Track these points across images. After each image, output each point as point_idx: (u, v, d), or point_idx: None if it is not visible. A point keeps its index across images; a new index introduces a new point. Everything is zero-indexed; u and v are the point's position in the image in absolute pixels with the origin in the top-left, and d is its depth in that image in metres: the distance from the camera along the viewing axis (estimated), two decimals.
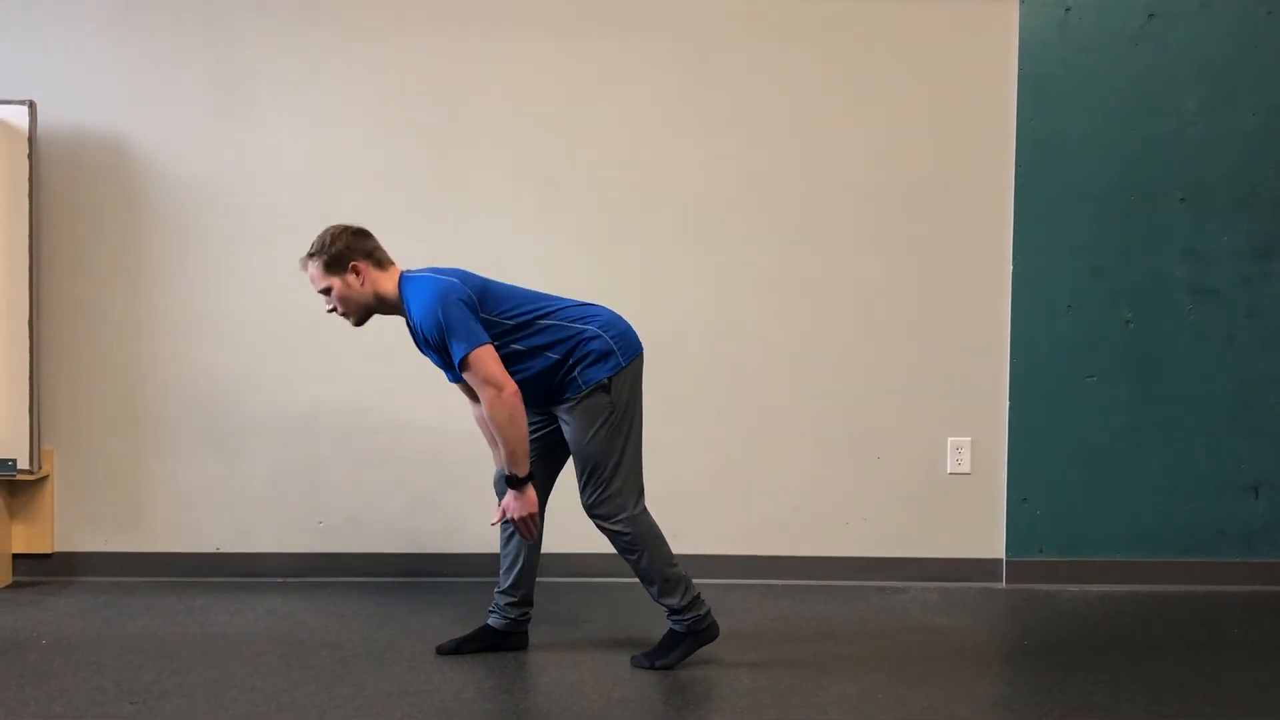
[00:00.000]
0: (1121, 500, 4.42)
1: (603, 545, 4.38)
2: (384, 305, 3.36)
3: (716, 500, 4.45)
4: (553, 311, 3.37)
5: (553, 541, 4.29)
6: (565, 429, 3.38)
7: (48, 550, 4.39)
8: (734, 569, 4.43)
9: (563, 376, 3.32)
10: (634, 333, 3.44)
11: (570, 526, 4.28)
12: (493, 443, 3.45)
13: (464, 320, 3.20)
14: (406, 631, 3.77)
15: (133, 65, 4.36)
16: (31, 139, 4.16)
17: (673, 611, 3.43)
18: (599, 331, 3.34)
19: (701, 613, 3.44)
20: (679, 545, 4.41)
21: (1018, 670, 3.57)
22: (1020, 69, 4.37)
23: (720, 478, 4.45)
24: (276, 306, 4.39)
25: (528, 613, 3.59)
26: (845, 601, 4.20)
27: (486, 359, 3.20)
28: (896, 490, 4.45)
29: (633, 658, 3.48)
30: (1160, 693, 3.28)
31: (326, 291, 3.33)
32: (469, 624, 3.69)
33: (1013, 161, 4.39)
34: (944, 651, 3.64)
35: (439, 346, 3.25)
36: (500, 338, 3.27)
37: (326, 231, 3.35)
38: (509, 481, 3.29)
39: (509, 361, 3.26)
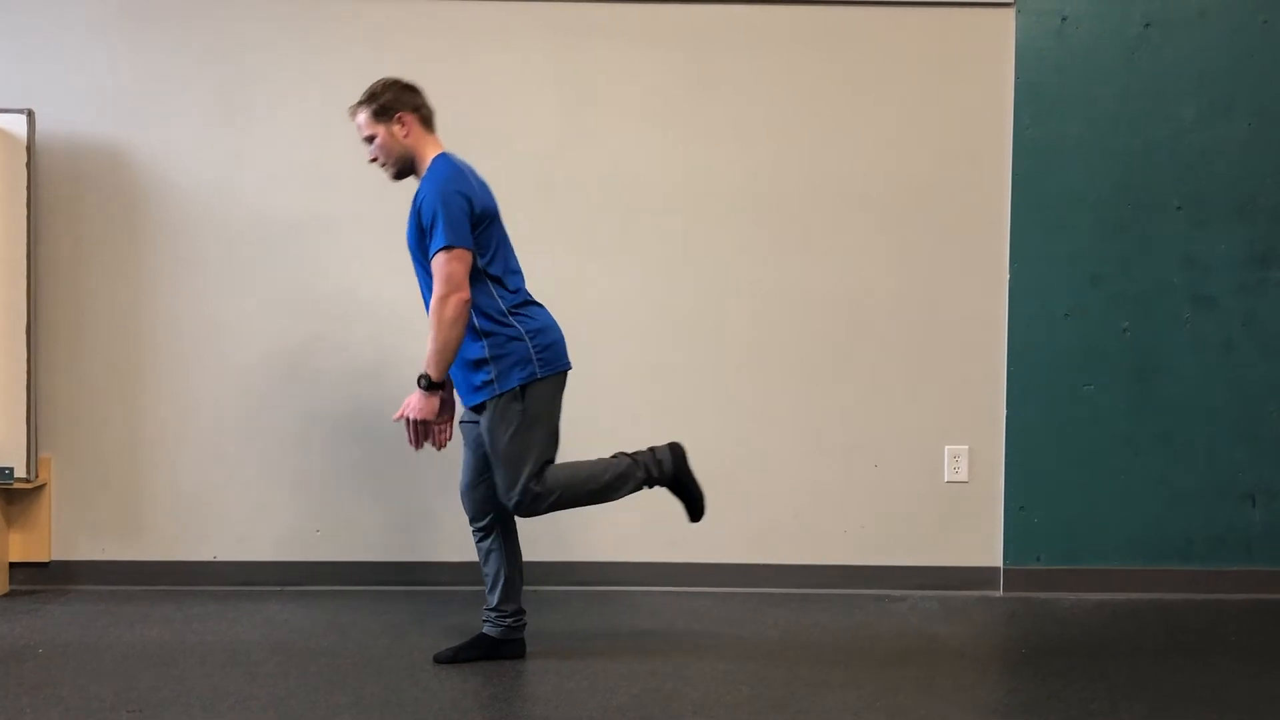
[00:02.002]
0: (1119, 508, 4.43)
1: (601, 554, 4.40)
2: (415, 167, 3.46)
3: (714, 508, 4.41)
4: (506, 288, 3.40)
5: (550, 550, 4.30)
6: (481, 432, 3.42)
7: (45, 558, 4.39)
8: (731, 577, 4.43)
9: (474, 365, 3.36)
10: (563, 347, 3.47)
11: (567, 535, 4.30)
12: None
13: (460, 217, 3.29)
14: (404, 640, 3.77)
15: (131, 73, 4.37)
16: (30, 147, 4.17)
17: (650, 484, 3.51)
18: (523, 334, 3.37)
19: (660, 458, 3.50)
20: (677, 553, 4.44)
21: (1016, 678, 3.57)
22: (1017, 77, 4.38)
23: (717, 485, 4.42)
24: (275, 313, 4.39)
25: (522, 619, 3.59)
26: (843, 610, 4.19)
27: (461, 260, 3.28)
28: (894, 498, 4.45)
29: (691, 516, 3.60)
30: (1159, 700, 3.28)
31: (370, 139, 3.45)
32: (466, 632, 3.69)
33: (1009, 169, 4.39)
34: (942, 660, 3.64)
35: (422, 231, 3.31)
36: None
37: (378, 81, 3.48)
38: (420, 380, 3.32)
39: (429, 282, 3.35)
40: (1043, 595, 4.38)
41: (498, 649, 3.57)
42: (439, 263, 3.27)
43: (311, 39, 4.37)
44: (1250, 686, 3.42)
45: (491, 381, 3.35)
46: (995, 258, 4.42)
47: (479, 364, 3.36)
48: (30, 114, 4.18)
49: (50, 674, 3.42)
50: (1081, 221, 4.39)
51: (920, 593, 4.40)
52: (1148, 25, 4.39)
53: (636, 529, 4.32)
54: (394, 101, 3.42)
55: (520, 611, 3.59)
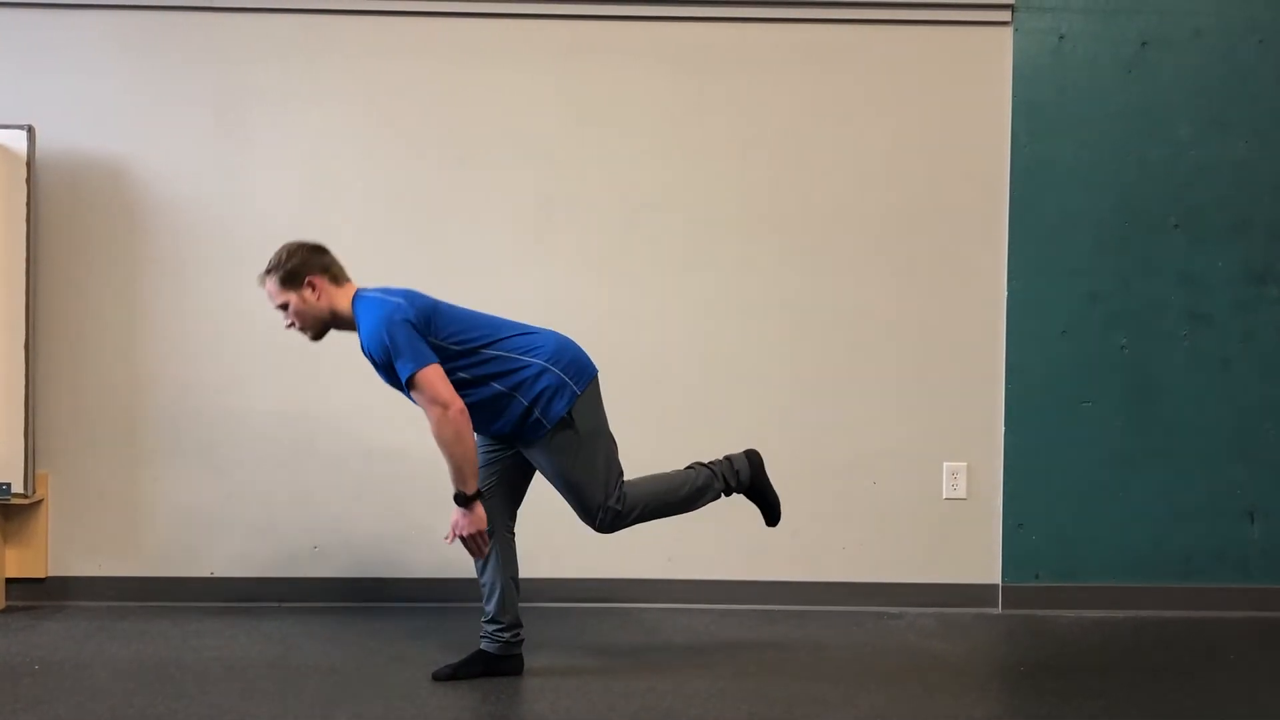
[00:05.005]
0: (1118, 525, 4.43)
1: (599, 570, 4.40)
2: (339, 321, 3.42)
3: (712, 525, 4.43)
4: (499, 340, 3.40)
5: (548, 567, 4.30)
6: (540, 467, 3.44)
7: (41, 575, 4.38)
8: (730, 594, 4.42)
9: (521, 417, 3.35)
10: (584, 355, 3.48)
11: (566, 552, 4.29)
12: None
13: (409, 340, 3.24)
14: (402, 657, 3.76)
15: (131, 89, 4.38)
16: (30, 163, 4.17)
17: (729, 492, 3.60)
18: (546, 364, 3.37)
19: (738, 467, 3.63)
20: (675, 570, 4.43)
21: (1014, 696, 3.56)
22: (1014, 95, 4.40)
23: (716, 502, 4.43)
24: (274, 330, 4.36)
25: (519, 634, 3.58)
26: (841, 627, 4.19)
27: (432, 378, 3.24)
28: (892, 515, 4.44)
29: (768, 521, 3.73)
30: (1157, 718, 3.27)
31: (284, 307, 3.40)
32: (465, 649, 3.67)
33: (1007, 187, 4.41)
34: (940, 677, 3.63)
35: (387, 366, 3.29)
36: (446, 362, 3.30)
37: (283, 248, 3.42)
38: (457, 499, 3.31)
39: (455, 388, 3.29)
40: (1041, 612, 4.38)
41: (496, 665, 3.56)
42: (417, 392, 3.25)
43: (311, 55, 4.39)
44: (1249, 704, 3.41)
45: (539, 420, 3.35)
46: (993, 275, 4.43)
47: (525, 414, 3.35)
48: (31, 130, 4.18)
49: (46, 691, 3.40)
50: (1079, 239, 4.41)
51: (919, 609, 4.39)
52: (1144, 44, 4.41)
53: (634, 545, 4.30)
54: (301, 266, 3.37)
55: (517, 625, 3.58)
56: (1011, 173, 4.40)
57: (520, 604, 3.60)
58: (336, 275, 3.42)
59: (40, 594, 4.38)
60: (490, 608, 3.55)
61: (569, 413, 3.36)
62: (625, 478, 3.51)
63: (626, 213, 4.42)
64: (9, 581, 4.36)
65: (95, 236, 4.38)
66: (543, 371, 3.36)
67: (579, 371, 3.42)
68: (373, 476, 4.40)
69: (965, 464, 4.44)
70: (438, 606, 4.35)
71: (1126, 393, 4.42)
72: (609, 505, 3.41)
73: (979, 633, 4.15)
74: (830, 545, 4.45)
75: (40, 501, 4.35)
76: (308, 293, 3.37)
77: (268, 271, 3.40)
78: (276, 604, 4.38)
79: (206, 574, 4.41)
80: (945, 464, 4.44)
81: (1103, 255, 4.41)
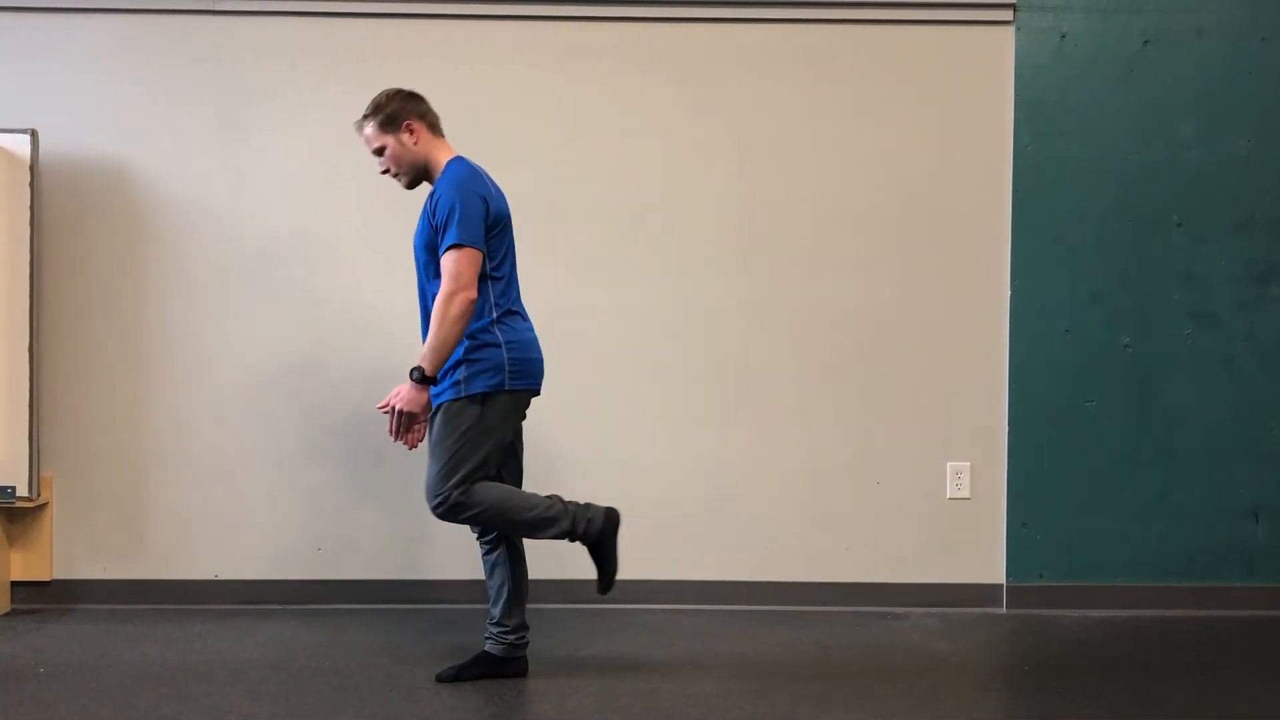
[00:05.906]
0: (1122, 524, 4.42)
1: None
2: (430, 171, 3.46)
3: (716, 525, 4.44)
4: (503, 295, 3.41)
5: (552, 568, 4.29)
6: (435, 423, 3.40)
7: (46, 577, 4.39)
8: (733, 595, 4.42)
9: (454, 360, 3.33)
10: (538, 367, 3.46)
11: (570, 553, 4.28)
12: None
13: (476, 219, 3.30)
14: (405, 658, 3.76)
15: (133, 93, 4.38)
16: (33, 167, 4.18)
17: (573, 537, 3.44)
18: (501, 343, 3.37)
19: (590, 515, 3.44)
20: (678, 571, 4.43)
21: (1018, 695, 3.56)
22: (1016, 94, 4.40)
23: (719, 503, 4.44)
24: (277, 332, 4.40)
25: (524, 636, 3.58)
26: (845, 627, 4.19)
27: (470, 260, 3.28)
28: (896, 515, 4.44)
29: (599, 587, 3.50)
30: (1161, 717, 3.27)
31: (380, 151, 3.46)
32: (468, 651, 3.68)
33: (1010, 186, 4.41)
34: (944, 677, 3.63)
35: (436, 230, 3.31)
36: None
37: (381, 93, 3.49)
38: (413, 373, 3.29)
39: (432, 282, 3.36)
40: (1045, 612, 4.38)
41: (500, 667, 3.56)
42: (449, 259, 3.27)
43: (313, 58, 4.39)
44: (1253, 703, 3.41)
45: (460, 383, 3.34)
46: (996, 275, 4.43)
47: (454, 365, 3.35)
48: (33, 134, 4.19)
49: (51, 693, 3.41)
50: (1082, 238, 4.40)
51: (922, 609, 4.39)
52: (1146, 43, 4.40)
53: (637, 546, 4.30)
54: (400, 110, 3.44)
55: (523, 628, 3.58)
56: (1014, 172, 4.40)
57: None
58: (434, 124, 3.49)
59: (45, 597, 4.39)
60: (497, 610, 3.55)
61: (485, 397, 3.34)
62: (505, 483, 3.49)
63: (627, 214, 4.42)
64: (14, 584, 4.37)
65: (98, 239, 4.39)
66: (497, 345, 3.36)
67: (524, 374, 3.40)
68: (376, 477, 4.41)
69: (969, 464, 4.44)
70: (442, 608, 4.36)
71: (1130, 392, 4.42)
72: (454, 492, 3.34)
73: (983, 632, 4.15)
74: (834, 545, 4.45)
75: (45, 504, 4.35)
76: (405, 136, 3.43)
77: (365, 117, 3.46)
78: (280, 606, 4.39)
79: (211, 576, 4.42)
80: (949, 464, 4.44)
81: (1105, 254, 4.41)
